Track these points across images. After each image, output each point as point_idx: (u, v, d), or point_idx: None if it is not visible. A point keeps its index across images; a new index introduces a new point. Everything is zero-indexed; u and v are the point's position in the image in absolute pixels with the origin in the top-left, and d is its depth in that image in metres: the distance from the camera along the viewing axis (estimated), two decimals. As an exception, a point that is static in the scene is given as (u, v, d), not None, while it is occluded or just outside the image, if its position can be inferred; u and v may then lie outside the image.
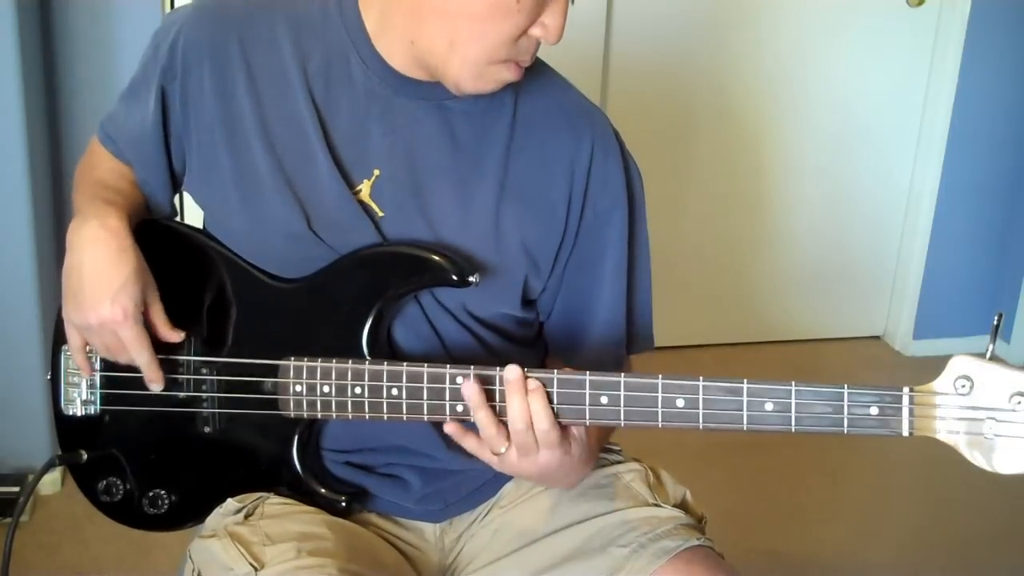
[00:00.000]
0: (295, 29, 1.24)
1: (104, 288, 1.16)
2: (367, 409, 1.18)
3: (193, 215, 1.40)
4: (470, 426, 1.14)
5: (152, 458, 1.29)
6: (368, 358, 1.19)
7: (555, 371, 1.11)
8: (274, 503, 1.25)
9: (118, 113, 1.33)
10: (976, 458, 1.03)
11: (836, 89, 3.25)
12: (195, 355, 1.25)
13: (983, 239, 3.45)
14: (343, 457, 1.29)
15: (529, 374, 1.11)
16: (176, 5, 2.34)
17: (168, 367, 1.23)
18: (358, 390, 1.17)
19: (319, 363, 1.19)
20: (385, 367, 1.16)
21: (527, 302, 1.28)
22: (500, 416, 1.12)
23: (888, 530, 2.61)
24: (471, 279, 1.18)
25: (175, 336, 1.22)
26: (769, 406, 1.07)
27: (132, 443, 1.29)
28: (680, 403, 1.09)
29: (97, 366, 1.27)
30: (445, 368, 1.15)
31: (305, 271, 1.22)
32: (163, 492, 1.29)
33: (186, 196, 1.35)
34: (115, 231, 1.18)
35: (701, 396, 1.09)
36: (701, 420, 1.09)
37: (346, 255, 1.21)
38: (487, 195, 1.24)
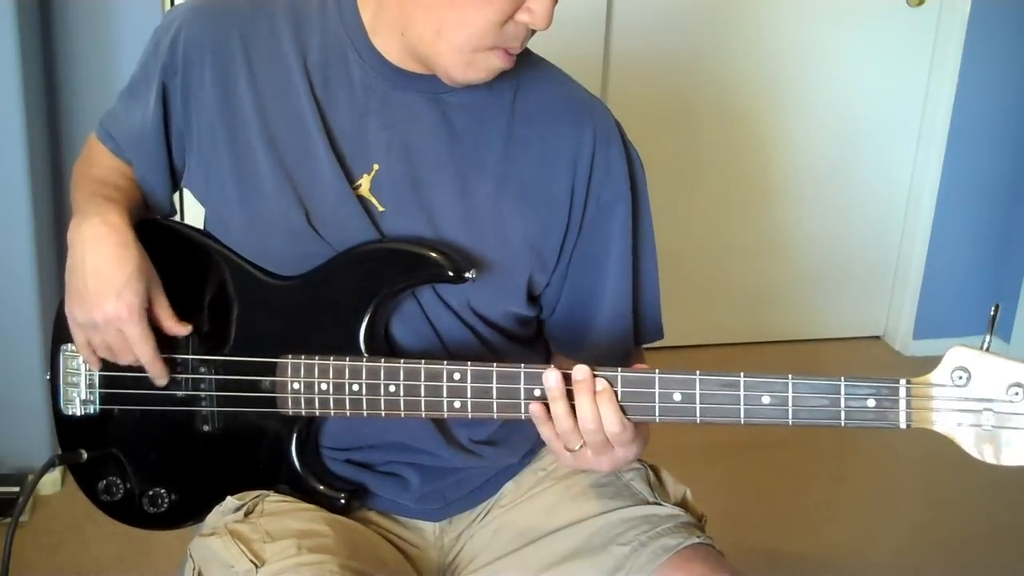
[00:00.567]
0: (295, 24, 1.24)
1: (108, 285, 1.16)
2: (365, 406, 1.18)
3: (193, 214, 1.40)
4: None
5: (152, 457, 1.29)
6: (365, 355, 1.19)
7: (619, 369, 1.11)
8: (274, 501, 1.25)
9: (117, 111, 1.33)
10: (973, 450, 1.03)
11: (836, 89, 3.25)
12: (193, 354, 1.25)
13: (983, 239, 3.45)
14: (343, 455, 1.29)
15: (598, 373, 1.10)
16: (176, 3, 2.34)
17: (165, 363, 1.23)
18: (356, 387, 1.17)
19: (316, 361, 1.19)
20: (383, 364, 1.16)
21: (531, 298, 1.28)
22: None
23: (888, 530, 2.60)
24: (467, 275, 1.18)
25: (182, 329, 1.22)
26: (766, 399, 1.07)
27: (132, 442, 1.29)
28: (677, 397, 1.10)
29: (94, 367, 1.27)
30: (443, 365, 1.15)
31: (304, 268, 1.22)
32: (163, 491, 1.29)
33: (186, 195, 1.34)
34: (117, 227, 1.18)
35: (698, 390, 1.09)
36: (698, 414, 1.09)
37: (343, 252, 1.21)
38: (488, 189, 1.24)
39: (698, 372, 1.09)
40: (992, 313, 1.06)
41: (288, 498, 1.26)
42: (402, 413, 1.17)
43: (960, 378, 1.03)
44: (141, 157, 1.29)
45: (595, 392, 1.10)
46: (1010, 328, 3.35)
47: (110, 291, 1.15)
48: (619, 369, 1.10)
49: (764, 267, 3.42)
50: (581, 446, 1.13)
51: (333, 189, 1.21)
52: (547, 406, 1.12)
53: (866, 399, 1.05)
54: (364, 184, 1.22)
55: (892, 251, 3.50)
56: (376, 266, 1.20)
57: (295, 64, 1.23)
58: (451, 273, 1.18)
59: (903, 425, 1.05)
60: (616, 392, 1.10)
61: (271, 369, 1.21)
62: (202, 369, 1.25)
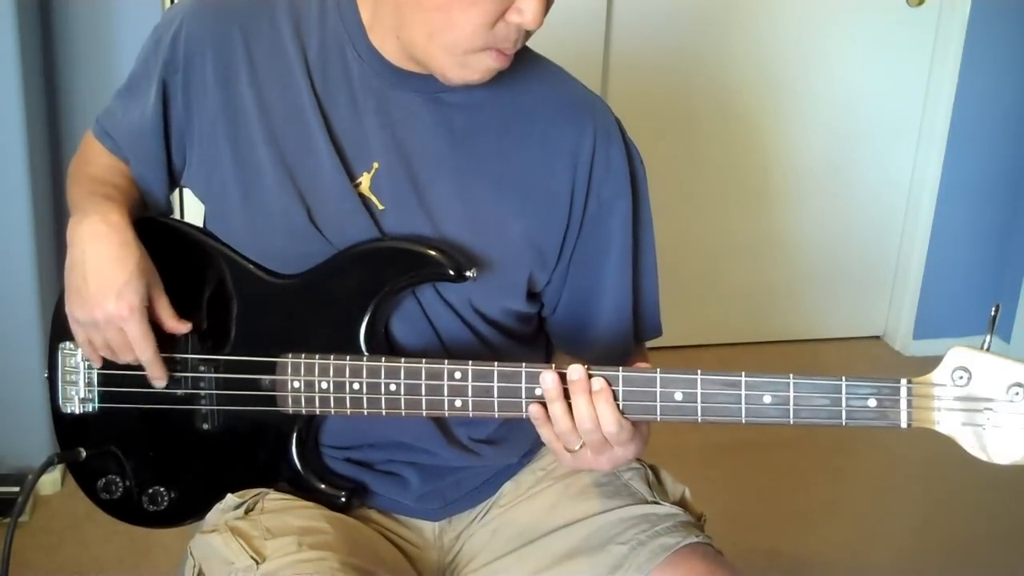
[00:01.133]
0: (295, 21, 1.24)
1: (109, 284, 1.15)
2: (365, 405, 1.18)
3: (192, 213, 1.40)
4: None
5: (151, 455, 1.29)
6: (366, 354, 1.19)
7: (620, 368, 1.11)
8: (274, 498, 1.25)
9: (115, 109, 1.33)
10: (974, 449, 1.04)
11: (836, 88, 3.25)
12: (193, 352, 1.25)
13: (983, 239, 3.45)
14: (342, 454, 1.29)
15: (593, 372, 1.10)
16: (176, 1, 2.34)
17: (166, 365, 1.22)
18: (356, 386, 1.17)
19: (317, 360, 1.19)
20: (383, 363, 1.16)
21: (531, 295, 1.28)
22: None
23: (888, 530, 2.60)
24: (468, 274, 1.18)
25: (182, 327, 1.22)
26: (767, 399, 1.08)
27: (131, 440, 1.29)
28: (678, 396, 1.10)
29: (96, 363, 1.27)
30: (443, 364, 1.15)
31: (303, 266, 1.22)
32: (163, 489, 1.29)
33: (186, 194, 1.34)
34: (116, 226, 1.18)
35: (699, 390, 1.09)
36: (700, 413, 1.09)
37: (343, 250, 1.21)
38: (487, 187, 1.24)
39: (699, 371, 1.09)
40: (992, 313, 1.07)
41: (288, 496, 1.26)
42: (403, 412, 1.17)
43: (961, 378, 1.03)
44: (140, 154, 1.29)
45: (591, 392, 1.10)
46: (1010, 328, 3.35)
47: (111, 290, 1.15)
48: (620, 368, 1.10)
49: (764, 267, 3.42)
50: (581, 446, 1.13)
51: (334, 186, 1.21)
52: (546, 407, 1.12)
53: (867, 399, 1.05)
54: (364, 182, 1.22)
55: (892, 251, 3.50)
56: (377, 265, 1.20)
57: (296, 61, 1.23)
58: (452, 272, 1.18)
59: (904, 424, 1.05)
60: (617, 391, 1.10)
61: (271, 368, 1.21)
62: (202, 368, 1.25)
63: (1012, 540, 2.59)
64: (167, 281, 1.22)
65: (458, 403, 1.15)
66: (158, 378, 1.22)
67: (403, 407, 1.17)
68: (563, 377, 1.11)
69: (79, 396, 1.29)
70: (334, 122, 1.22)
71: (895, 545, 2.55)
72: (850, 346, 3.54)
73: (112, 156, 1.31)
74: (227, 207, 1.24)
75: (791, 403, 1.07)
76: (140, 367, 1.22)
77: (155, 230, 1.26)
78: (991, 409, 1.03)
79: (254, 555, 1.15)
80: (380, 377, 1.16)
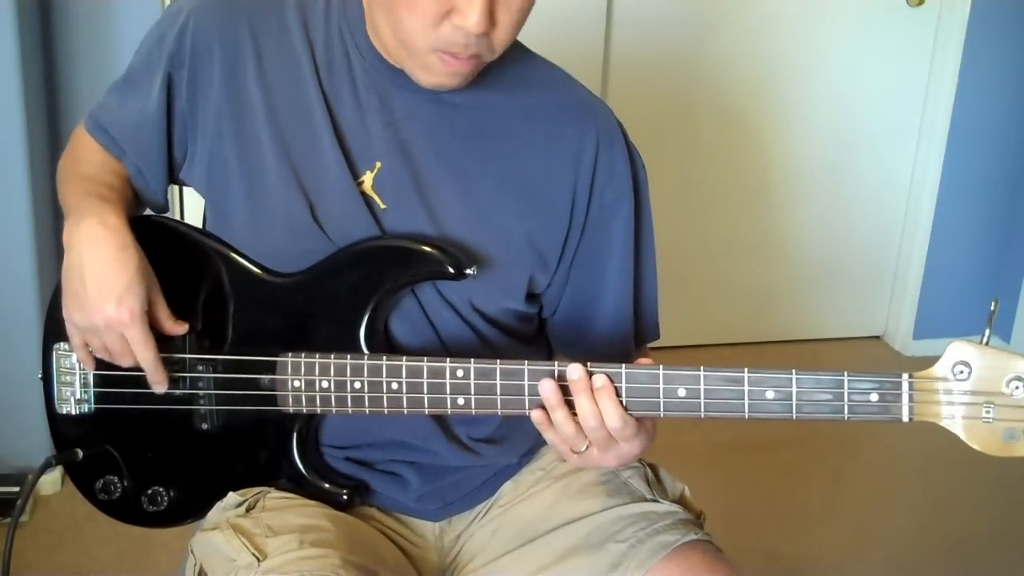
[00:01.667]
0: (302, 18, 1.24)
1: (108, 288, 1.14)
2: (367, 403, 1.17)
3: (192, 213, 1.40)
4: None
5: (149, 455, 1.29)
6: (366, 352, 1.19)
7: (623, 366, 1.11)
8: (275, 497, 1.25)
9: (110, 104, 1.32)
10: (974, 442, 1.05)
11: (836, 88, 3.25)
12: (192, 352, 1.24)
13: (983, 239, 3.45)
14: (342, 453, 1.29)
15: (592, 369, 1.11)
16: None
17: (165, 364, 1.22)
18: (357, 385, 1.17)
19: (317, 359, 1.19)
20: (384, 362, 1.16)
21: (530, 296, 1.28)
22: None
23: (888, 530, 2.60)
24: (468, 272, 1.18)
25: (180, 329, 1.21)
26: (770, 394, 1.08)
27: (129, 441, 1.29)
28: (682, 392, 1.10)
29: (89, 367, 1.26)
30: (445, 362, 1.15)
31: (303, 264, 1.22)
32: (161, 489, 1.28)
33: (186, 194, 1.34)
34: (115, 229, 1.17)
35: (702, 386, 1.09)
36: (703, 409, 1.10)
37: (342, 249, 1.20)
38: (489, 188, 1.24)
39: (702, 368, 1.10)
40: (991, 308, 1.08)
41: (289, 494, 1.26)
42: (405, 410, 1.17)
43: (961, 372, 1.05)
44: (138, 149, 1.28)
45: (593, 390, 1.10)
46: (1010, 328, 3.35)
47: (111, 295, 1.14)
48: (623, 365, 1.11)
49: (764, 267, 3.42)
50: (587, 447, 1.13)
51: (337, 184, 1.21)
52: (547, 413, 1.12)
53: (869, 393, 1.06)
54: (367, 181, 1.22)
55: (892, 251, 3.50)
56: (377, 263, 1.20)
57: (304, 58, 1.22)
58: (452, 270, 1.17)
59: (906, 419, 1.07)
60: (620, 388, 1.10)
61: (271, 367, 1.21)
62: (200, 367, 1.24)
63: (1012, 540, 2.59)
64: (165, 281, 1.21)
65: (460, 401, 1.15)
66: (159, 383, 1.21)
67: (405, 405, 1.17)
68: (562, 378, 1.11)
69: (75, 397, 1.28)
70: (339, 120, 1.22)
71: (895, 545, 2.55)
72: (850, 346, 3.54)
73: (105, 153, 1.30)
74: (229, 202, 1.24)
75: (794, 398, 1.08)
76: (138, 369, 1.21)
77: (151, 230, 1.25)
78: (991, 402, 1.04)
79: (255, 553, 1.15)
80: (382, 376, 1.16)
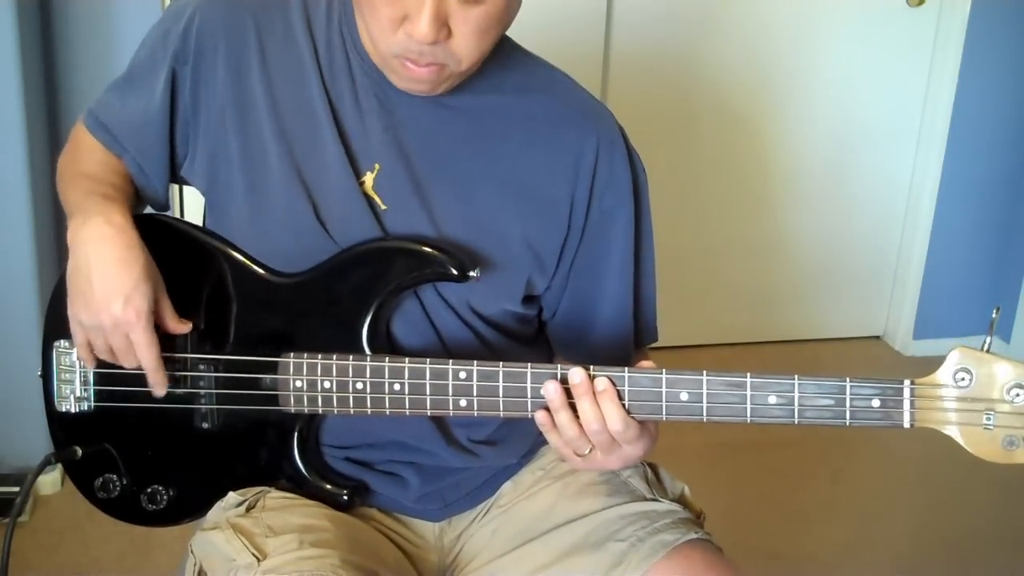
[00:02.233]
0: (306, 17, 1.24)
1: (115, 288, 1.14)
2: (369, 404, 1.17)
3: (192, 212, 1.39)
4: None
5: (149, 454, 1.28)
6: (369, 353, 1.19)
7: (626, 369, 1.11)
8: (275, 496, 1.25)
9: (110, 101, 1.31)
10: (975, 449, 1.06)
11: (836, 89, 3.25)
12: (193, 351, 1.24)
13: (983, 239, 3.45)
14: (343, 453, 1.28)
15: (595, 372, 1.11)
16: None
17: (166, 364, 1.21)
18: (360, 386, 1.17)
19: (319, 359, 1.19)
20: (387, 364, 1.16)
21: (528, 298, 1.28)
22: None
23: (888, 530, 2.60)
24: (472, 273, 1.18)
25: (183, 328, 1.21)
26: (772, 399, 1.09)
27: (128, 439, 1.28)
28: (684, 396, 1.10)
29: (90, 365, 1.26)
30: (448, 364, 1.15)
31: (305, 264, 1.22)
32: (161, 488, 1.28)
33: (186, 193, 1.34)
34: (121, 228, 1.16)
35: (705, 390, 1.10)
36: (705, 413, 1.10)
37: (346, 249, 1.20)
38: (488, 191, 1.24)
39: (705, 372, 1.10)
40: (993, 315, 1.09)
41: (290, 494, 1.25)
42: (407, 411, 1.17)
43: (962, 379, 1.06)
44: (140, 147, 1.28)
45: (595, 393, 1.10)
46: (1010, 328, 3.35)
47: (118, 295, 1.14)
48: (626, 369, 1.11)
49: (764, 267, 3.42)
50: (590, 450, 1.14)
51: (340, 184, 1.21)
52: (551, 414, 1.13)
53: (871, 399, 1.07)
54: (367, 182, 1.22)
55: (892, 251, 3.50)
56: (380, 264, 1.20)
57: (308, 57, 1.22)
58: (455, 271, 1.17)
59: (907, 425, 1.07)
60: (623, 392, 1.11)
61: (272, 367, 1.21)
62: (202, 367, 1.24)
63: (1012, 540, 2.59)
64: (167, 280, 1.21)
65: (463, 403, 1.15)
66: (158, 385, 1.21)
67: (407, 407, 1.17)
68: (565, 381, 1.11)
69: (75, 395, 1.28)
70: (341, 120, 1.22)
71: (895, 545, 2.55)
72: (850, 346, 3.54)
73: (106, 151, 1.30)
74: (230, 200, 1.24)
75: (796, 403, 1.08)
76: (139, 369, 1.21)
77: (154, 228, 1.25)
78: (992, 409, 1.05)
79: (255, 552, 1.15)
80: (384, 377, 1.16)
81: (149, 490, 1.28)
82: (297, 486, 1.26)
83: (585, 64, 2.93)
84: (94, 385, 1.27)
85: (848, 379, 1.07)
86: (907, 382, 1.07)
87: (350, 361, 1.17)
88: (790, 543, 2.51)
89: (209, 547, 1.20)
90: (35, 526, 2.34)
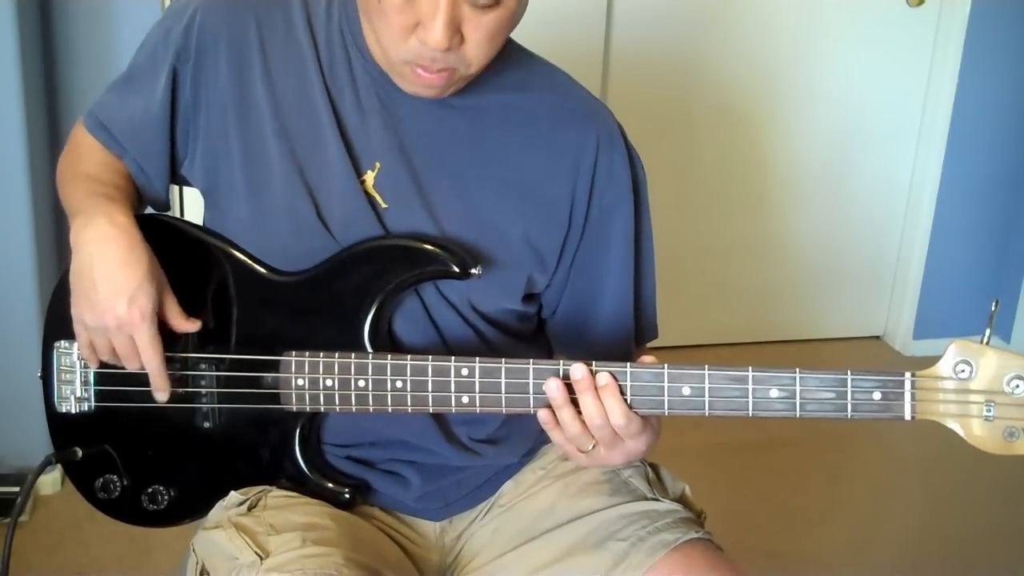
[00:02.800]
0: (307, 16, 1.24)
1: (120, 289, 1.14)
2: (371, 402, 1.18)
3: (192, 212, 1.39)
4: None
5: (150, 454, 1.28)
6: (370, 351, 1.19)
7: (628, 364, 1.12)
8: (277, 495, 1.25)
9: (110, 101, 1.31)
10: (975, 440, 1.07)
11: (836, 89, 3.25)
12: (195, 351, 1.24)
13: (983, 239, 3.45)
14: (344, 451, 1.28)
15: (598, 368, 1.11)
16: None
17: (167, 363, 1.21)
18: (362, 383, 1.17)
19: (321, 357, 1.19)
20: (389, 361, 1.16)
21: (528, 296, 1.28)
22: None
23: (888, 530, 2.60)
24: (473, 271, 1.18)
25: (191, 326, 1.21)
26: (774, 392, 1.09)
27: (129, 439, 1.28)
28: (686, 391, 1.11)
29: (93, 364, 1.25)
30: (450, 361, 1.15)
31: (306, 263, 1.22)
32: (162, 488, 1.28)
33: (186, 193, 1.33)
34: (124, 228, 1.16)
35: (707, 384, 1.10)
36: (707, 407, 1.11)
37: (347, 247, 1.20)
38: (488, 189, 1.24)
39: (707, 366, 1.11)
40: (992, 308, 1.10)
41: (291, 493, 1.25)
42: (409, 409, 1.17)
43: (963, 371, 1.06)
44: (140, 147, 1.28)
45: (597, 388, 1.10)
46: (1010, 328, 3.36)
47: (122, 295, 1.14)
48: (628, 364, 1.11)
49: (764, 267, 3.42)
50: (593, 446, 1.14)
51: (341, 182, 1.21)
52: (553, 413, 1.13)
53: (872, 392, 1.08)
54: (368, 180, 1.22)
55: (892, 251, 3.50)
56: (382, 262, 1.20)
57: (309, 55, 1.22)
58: (457, 269, 1.18)
59: (908, 417, 1.08)
60: (625, 386, 1.11)
61: (274, 366, 1.21)
62: (203, 366, 1.24)
63: (1012, 540, 2.59)
64: (169, 280, 1.21)
65: (465, 400, 1.15)
66: (161, 390, 1.20)
67: (409, 404, 1.17)
68: (567, 377, 1.11)
69: (75, 395, 1.27)
70: (342, 119, 1.22)
71: (895, 545, 2.55)
72: (850, 346, 3.54)
73: (106, 152, 1.30)
74: (232, 200, 1.24)
75: (797, 396, 1.09)
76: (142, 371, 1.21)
77: (156, 228, 1.24)
78: (992, 401, 1.06)
79: (258, 551, 1.15)
80: (386, 374, 1.16)
81: (150, 490, 1.28)
82: (298, 485, 1.26)
83: (585, 64, 2.93)
84: (94, 385, 1.27)
85: (849, 372, 1.08)
86: (908, 374, 1.07)
87: (352, 359, 1.17)
88: (790, 543, 2.51)
89: (211, 546, 1.20)
90: (35, 526, 2.34)
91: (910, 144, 3.37)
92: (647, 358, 1.13)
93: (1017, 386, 1.05)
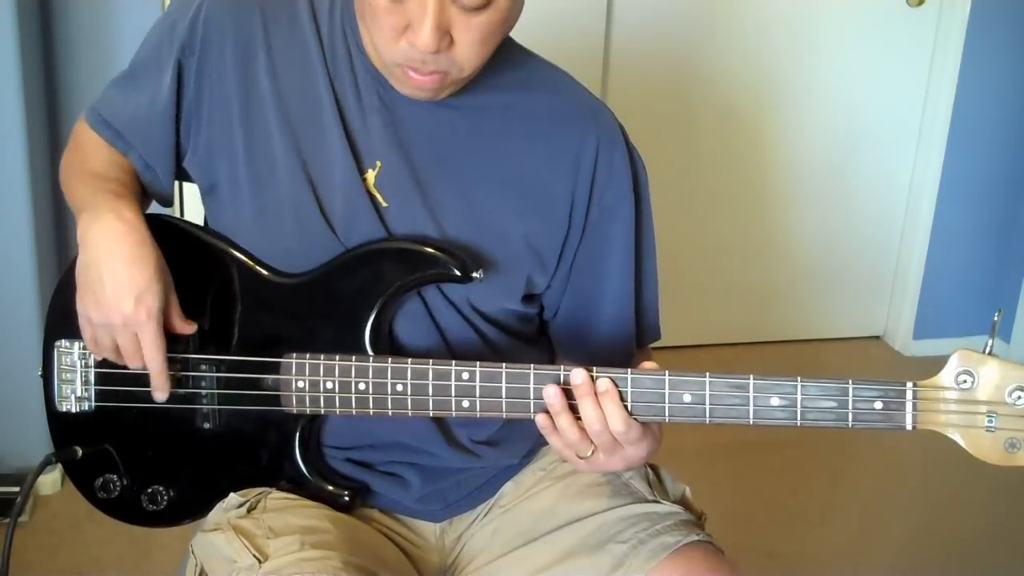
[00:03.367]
0: (313, 9, 1.24)
1: (128, 286, 1.13)
2: (371, 405, 1.17)
3: (191, 211, 1.39)
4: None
5: (150, 454, 1.28)
6: (371, 354, 1.19)
7: (629, 370, 1.11)
8: (276, 498, 1.24)
9: (113, 98, 1.31)
10: (977, 451, 1.07)
11: (836, 89, 3.26)
12: (196, 351, 1.24)
13: (983, 239, 3.45)
14: (343, 454, 1.28)
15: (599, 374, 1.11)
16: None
17: (169, 363, 1.21)
18: (362, 386, 1.17)
19: (322, 360, 1.18)
20: (389, 364, 1.16)
21: (529, 297, 1.28)
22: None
23: (888, 530, 2.60)
24: (475, 275, 1.18)
25: (189, 328, 1.20)
26: (775, 401, 1.09)
27: (129, 439, 1.28)
28: (687, 398, 1.10)
29: (92, 362, 1.26)
30: (451, 365, 1.15)
31: (307, 262, 1.21)
32: (161, 488, 1.28)
33: (187, 192, 1.33)
34: (133, 225, 1.16)
35: (708, 391, 1.10)
36: (708, 415, 1.10)
37: (349, 250, 1.20)
38: (489, 188, 1.23)
39: (708, 374, 1.10)
40: (995, 318, 1.10)
41: (291, 495, 1.25)
42: (409, 412, 1.17)
43: (964, 381, 1.06)
44: (147, 142, 1.27)
45: (597, 394, 1.10)
46: (1010, 328, 3.36)
47: (130, 293, 1.13)
48: (628, 370, 1.11)
49: (764, 267, 3.42)
50: (593, 452, 1.14)
51: (343, 179, 1.21)
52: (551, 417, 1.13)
53: (873, 401, 1.07)
54: (369, 178, 1.22)
55: (892, 251, 3.50)
56: (383, 265, 1.20)
57: (315, 50, 1.22)
58: (459, 273, 1.18)
59: (909, 427, 1.08)
60: (625, 392, 1.11)
61: (274, 367, 1.20)
62: (204, 367, 1.24)
63: (1012, 540, 2.59)
64: (173, 279, 1.20)
65: (465, 404, 1.15)
66: (161, 389, 1.20)
67: (409, 407, 1.16)
68: (568, 383, 1.11)
69: (75, 394, 1.27)
70: (345, 115, 1.22)
71: (895, 545, 2.55)
72: (850, 346, 3.54)
73: (111, 148, 1.29)
74: (234, 194, 1.23)
75: (798, 405, 1.09)
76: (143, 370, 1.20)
77: (159, 228, 1.23)
78: (994, 412, 1.06)
79: (256, 554, 1.15)
80: (387, 377, 1.16)
81: (149, 490, 1.28)
82: (298, 487, 1.26)
83: (585, 64, 2.93)
84: (95, 385, 1.27)
85: (851, 381, 1.08)
86: (909, 384, 1.07)
87: (352, 361, 1.17)
88: (790, 543, 2.51)
89: (210, 548, 1.20)
90: (35, 526, 2.34)
91: (910, 143, 3.37)
92: (648, 364, 1.13)
93: (1019, 397, 1.04)
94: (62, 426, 1.29)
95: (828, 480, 2.82)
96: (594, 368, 1.11)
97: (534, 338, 1.35)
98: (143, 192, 1.30)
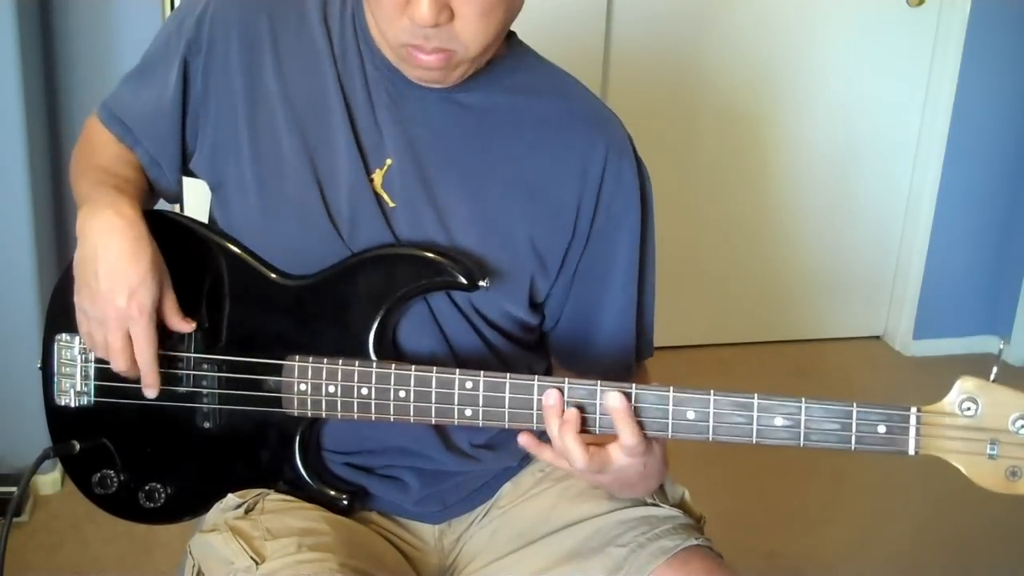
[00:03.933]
0: (323, 9, 1.24)
1: (122, 281, 1.14)
2: (373, 410, 1.17)
3: (192, 208, 1.38)
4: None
5: (149, 451, 1.28)
6: (374, 359, 1.19)
7: (633, 386, 1.11)
8: (274, 499, 1.24)
9: (123, 93, 1.31)
10: (977, 478, 1.07)
11: (836, 88, 3.26)
12: (198, 350, 1.24)
13: (983, 239, 3.45)
14: (343, 458, 1.28)
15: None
16: (176, 5, 2.34)
17: (169, 361, 1.22)
18: (365, 391, 1.17)
19: (325, 363, 1.18)
20: (392, 371, 1.16)
21: (533, 305, 1.28)
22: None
23: (888, 530, 2.60)
24: (482, 283, 1.18)
25: (187, 326, 1.20)
26: (779, 421, 1.09)
27: (128, 435, 1.28)
28: (691, 415, 1.10)
29: (91, 357, 1.26)
30: (455, 373, 1.14)
31: (311, 262, 1.21)
32: (159, 485, 1.27)
33: (187, 191, 1.33)
34: (130, 220, 1.16)
35: (712, 409, 1.10)
36: (711, 432, 1.10)
37: (356, 254, 1.20)
38: (496, 190, 1.23)
39: (712, 391, 1.10)
40: (999, 348, 1.09)
41: (289, 497, 1.25)
42: (411, 419, 1.17)
43: (968, 408, 1.06)
44: (153, 138, 1.27)
45: (561, 422, 1.10)
46: (1010, 329, 3.35)
47: (124, 287, 1.14)
48: (633, 385, 1.11)
49: (764, 268, 3.42)
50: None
51: (350, 179, 1.21)
52: (536, 435, 1.14)
53: (877, 425, 1.07)
54: (377, 179, 1.22)
55: (892, 251, 3.50)
56: (389, 270, 1.20)
57: (324, 51, 1.22)
58: (464, 281, 1.17)
59: (912, 452, 1.09)
60: (633, 408, 1.10)
61: (277, 369, 1.20)
62: (206, 366, 1.24)
63: (1012, 541, 2.59)
64: (174, 277, 1.20)
65: (468, 412, 1.15)
66: (151, 386, 1.20)
67: (411, 414, 1.16)
68: (572, 393, 1.11)
69: (75, 389, 1.27)
70: (354, 114, 1.22)
71: (895, 545, 2.55)
72: (850, 346, 3.54)
73: (119, 144, 1.29)
74: (240, 193, 1.23)
75: (802, 426, 1.08)
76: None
77: (162, 225, 1.23)
78: (996, 440, 1.05)
79: (254, 555, 1.15)
80: (390, 384, 1.16)
81: (147, 487, 1.28)
82: (296, 489, 1.26)
83: (585, 64, 2.93)
84: (94, 380, 1.27)
85: (855, 404, 1.07)
86: (913, 409, 1.07)
87: (356, 366, 1.17)
88: (790, 543, 2.51)
89: (207, 549, 1.20)
90: (35, 526, 2.34)
91: (910, 145, 3.38)
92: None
93: (1022, 426, 1.04)
94: (60, 420, 1.29)
95: (828, 480, 2.82)
96: (599, 382, 1.11)
97: (536, 345, 1.35)
98: (150, 188, 1.30)
